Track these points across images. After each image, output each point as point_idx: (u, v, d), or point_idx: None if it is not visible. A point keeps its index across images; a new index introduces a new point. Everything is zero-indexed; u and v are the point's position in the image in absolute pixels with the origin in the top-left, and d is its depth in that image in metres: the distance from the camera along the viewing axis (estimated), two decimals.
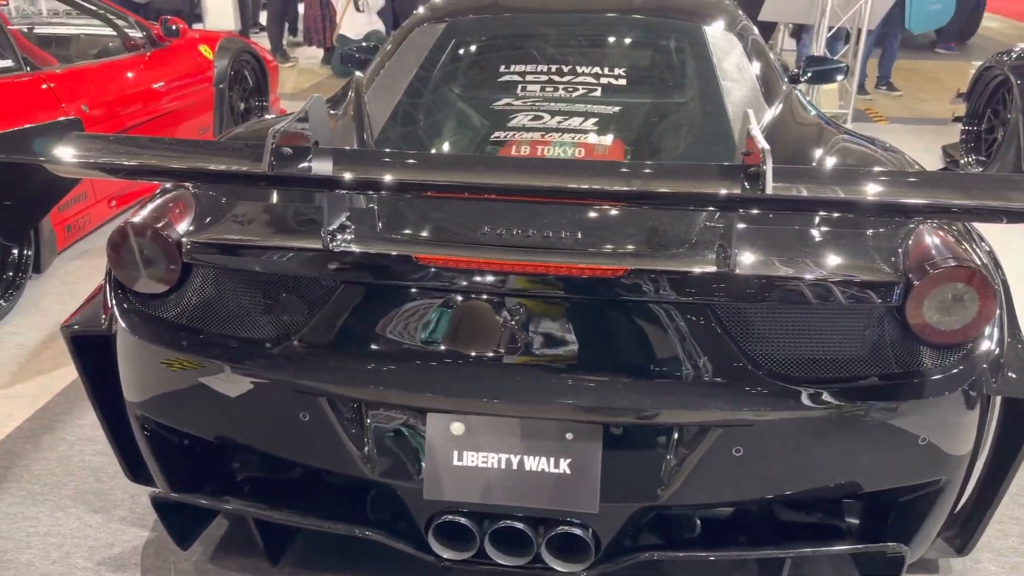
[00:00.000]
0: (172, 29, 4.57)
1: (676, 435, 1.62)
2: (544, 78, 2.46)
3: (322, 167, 1.48)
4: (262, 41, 8.41)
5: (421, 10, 2.97)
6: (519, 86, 2.42)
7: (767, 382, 1.57)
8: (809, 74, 3.42)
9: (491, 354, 1.63)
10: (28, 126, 1.56)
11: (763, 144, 1.39)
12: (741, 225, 1.60)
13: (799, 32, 7.62)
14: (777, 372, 1.59)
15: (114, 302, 1.85)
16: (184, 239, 1.75)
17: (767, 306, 1.57)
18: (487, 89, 2.48)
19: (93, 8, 4.37)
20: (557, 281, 1.59)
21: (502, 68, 2.52)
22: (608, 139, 2.17)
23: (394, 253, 1.64)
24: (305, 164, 1.46)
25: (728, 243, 1.55)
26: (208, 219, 1.80)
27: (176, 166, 1.49)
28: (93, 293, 2.00)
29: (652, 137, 2.27)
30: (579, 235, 1.67)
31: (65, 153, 1.47)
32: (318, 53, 9.05)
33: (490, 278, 1.62)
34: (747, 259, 1.55)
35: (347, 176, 1.44)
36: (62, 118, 1.66)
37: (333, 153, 1.53)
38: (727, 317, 1.59)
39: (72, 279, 3.54)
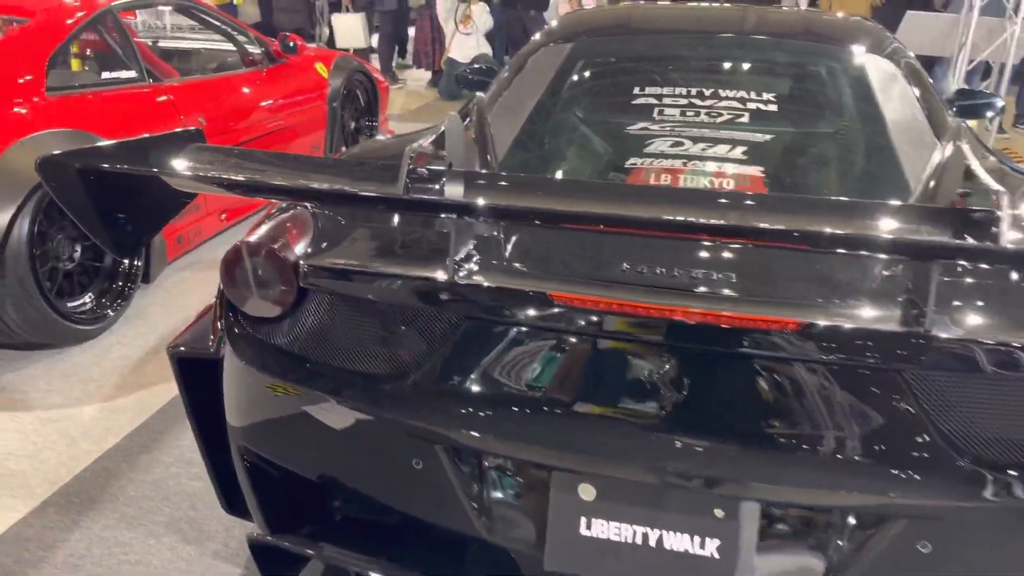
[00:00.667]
0: (290, 46, 4.59)
1: (849, 523, 1.37)
2: (683, 101, 2.25)
3: (458, 191, 1.32)
4: (373, 62, 8.51)
5: (545, 30, 2.83)
6: (656, 109, 2.23)
7: (966, 466, 1.31)
8: (956, 108, 3.11)
9: (631, 410, 1.43)
10: (148, 135, 1.46)
11: (995, 185, 1.15)
12: (944, 277, 1.35)
13: (931, 65, 7.17)
14: (980, 455, 1.33)
15: (224, 324, 1.74)
16: (301, 262, 1.63)
17: (974, 376, 1.31)
18: (621, 112, 2.29)
19: (216, 23, 4.43)
20: (714, 331, 1.38)
21: (636, 90, 2.33)
22: (759, 170, 1.95)
23: (527, 289, 1.46)
24: (441, 188, 1.30)
25: (925, 297, 1.30)
26: (327, 241, 1.67)
27: (305, 185, 1.35)
28: (202, 313, 1.90)
29: (811, 170, 2.03)
30: (741, 278, 1.45)
31: (188, 166, 1.36)
32: (425, 75, 9.10)
33: (635, 323, 1.42)
34: (950, 318, 1.31)
35: (489, 203, 1.27)
36: (184, 128, 1.56)
37: (470, 177, 1.36)
38: (921, 386, 1.34)
39: (179, 291, 3.53)
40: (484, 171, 1.74)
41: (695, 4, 3.12)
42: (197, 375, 1.82)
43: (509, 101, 2.44)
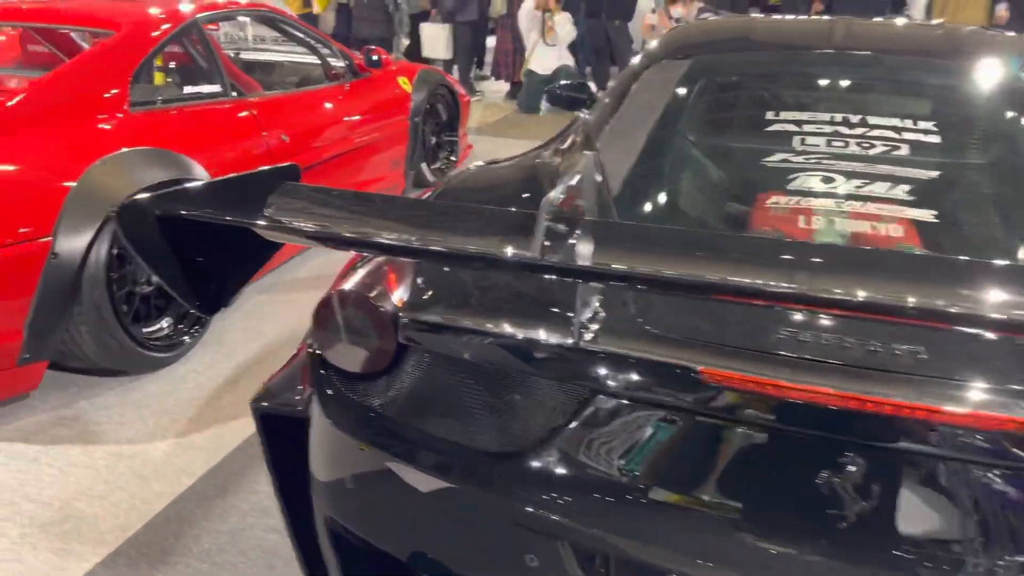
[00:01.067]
0: (375, 60, 4.44)
1: None
2: (827, 129, 1.98)
3: (608, 256, 1.08)
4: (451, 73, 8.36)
5: (654, 45, 2.58)
6: (796, 138, 1.96)
7: None
8: None
9: (796, 521, 1.17)
10: (236, 175, 1.27)
11: None
12: None
13: None
14: None
15: (313, 380, 1.54)
16: (402, 315, 1.42)
17: None
18: (754, 140, 2.03)
19: (300, 36, 4.31)
20: (917, 428, 1.11)
21: (770, 115, 2.07)
22: (932, 213, 1.67)
23: (669, 361, 1.22)
24: (583, 250, 1.07)
25: None
26: (431, 291, 1.46)
27: (423, 242, 1.12)
28: (288, 363, 1.71)
29: (1000, 213, 1.73)
30: (947, 359, 1.18)
31: (284, 214, 1.16)
32: (503, 87, 8.92)
33: (807, 411, 1.17)
34: None
35: (650, 273, 1.03)
36: (277, 165, 1.37)
37: (616, 236, 1.13)
38: None
39: (258, 315, 3.39)
40: (638, 227, 1.46)
41: (818, 18, 2.82)
42: (282, 433, 1.63)
43: (620, 126, 2.19)
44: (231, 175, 1.29)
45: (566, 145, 2.26)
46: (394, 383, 1.48)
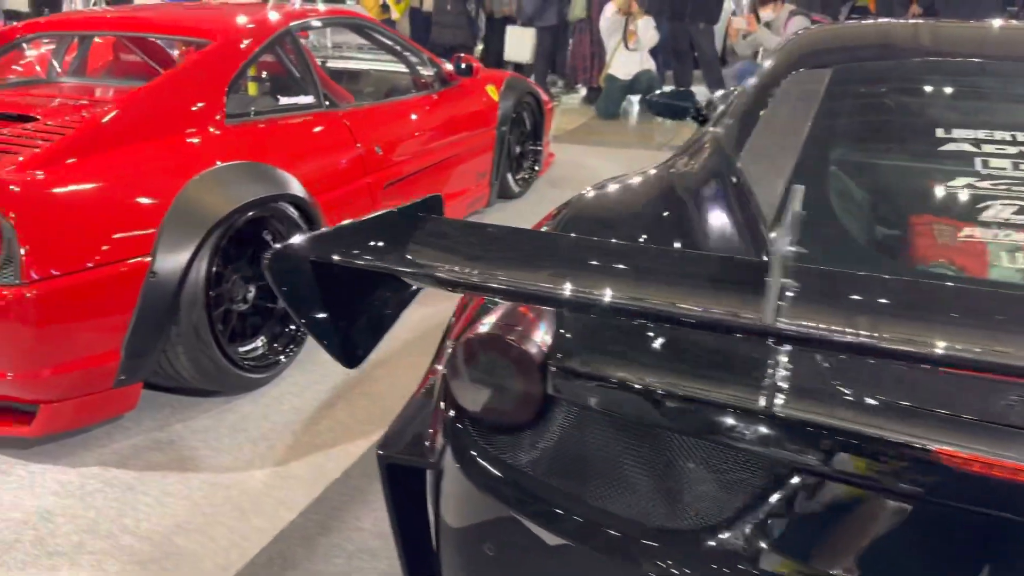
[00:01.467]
0: (465, 68, 4.31)
1: None
2: (1012, 150, 1.75)
3: (846, 316, 0.89)
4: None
5: (783, 52, 2.37)
6: (977, 160, 1.73)
7: None
8: None
9: None
10: (380, 213, 1.13)
11: None
12: None
13: None
14: None
15: (448, 431, 1.39)
16: (550, 363, 1.25)
17: None
18: (925, 162, 1.81)
19: (389, 43, 4.20)
20: None
21: (939, 132, 1.84)
22: None
23: (895, 439, 1.03)
24: (824, 307, 0.88)
25: None
26: (585, 333, 1.29)
27: (615, 297, 0.95)
28: (409, 404, 1.56)
29: None
30: None
31: (439, 259, 1.01)
32: (578, 91, 8.74)
33: None
34: None
35: (905, 340, 0.84)
36: (422, 199, 1.22)
37: (867, 287, 0.93)
38: None
39: None
40: (901, 283, 1.23)
41: (964, 23, 2.56)
42: (409, 484, 1.48)
43: (763, 141, 1.99)
44: (375, 214, 1.15)
45: (700, 161, 2.07)
46: (540, 438, 1.32)
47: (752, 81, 2.28)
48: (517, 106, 4.88)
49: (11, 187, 2.21)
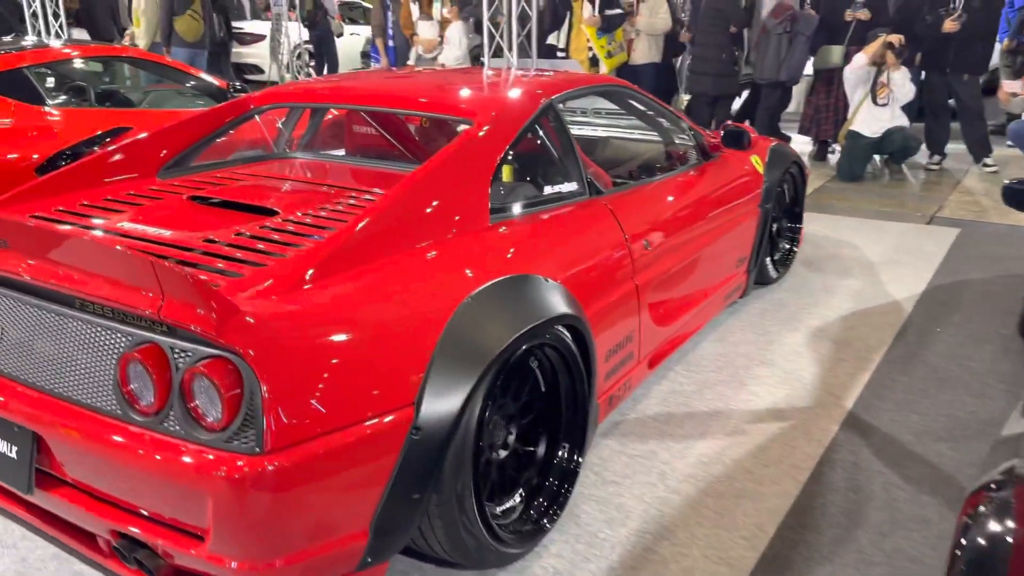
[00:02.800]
0: (737, 138, 3.64)
1: None
2: None
3: None
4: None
5: None
6: None
7: None
8: None
9: None
10: None
11: None
12: None
13: None
14: None
15: None
16: None
17: None
18: None
19: (647, 111, 3.60)
20: None
21: None
22: None
23: None
24: None
25: None
26: None
27: None
28: None
29: None
30: None
31: None
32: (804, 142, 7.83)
33: None
34: None
35: None
36: None
37: None
38: None
39: (610, 472, 2.64)
40: None
41: None
42: None
43: None
44: None
45: None
46: None
47: None
48: (782, 179, 4.14)
49: (247, 318, 1.72)
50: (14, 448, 1.99)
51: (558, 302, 2.27)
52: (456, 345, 1.95)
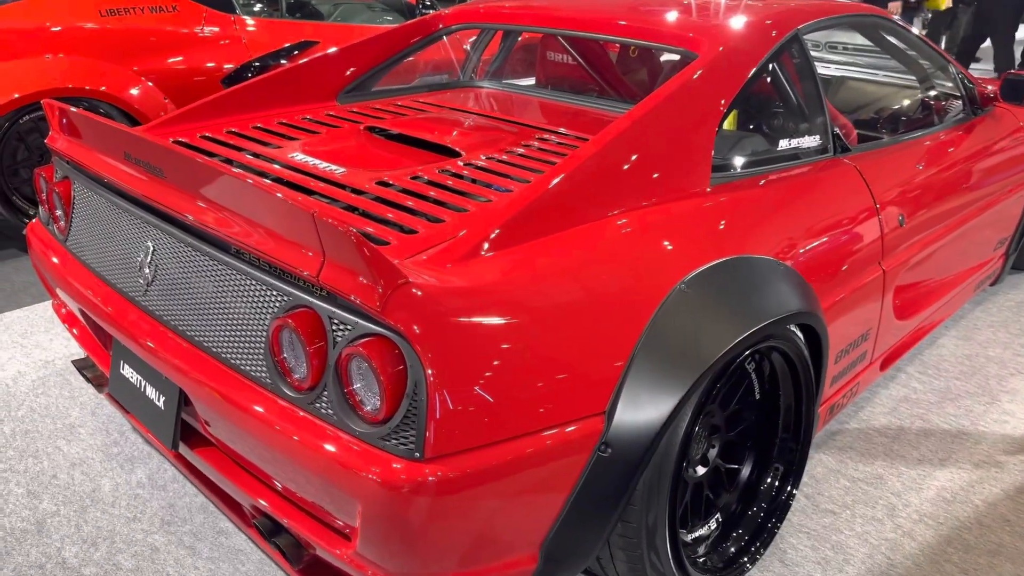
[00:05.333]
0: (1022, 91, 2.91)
1: None
2: None
3: None
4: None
5: None
6: None
7: None
8: None
9: None
10: None
11: None
12: None
13: None
14: None
15: None
16: None
17: None
18: None
19: (910, 51, 2.94)
20: None
21: None
22: None
23: None
24: None
25: None
26: None
27: None
28: None
29: None
30: None
31: None
32: None
33: None
34: None
35: None
36: None
37: None
38: None
39: (825, 494, 2.19)
40: None
41: None
42: None
43: None
44: None
45: None
46: None
47: None
48: None
49: (416, 291, 1.39)
50: (162, 398, 1.82)
51: (793, 294, 1.80)
52: (663, 344, 1.55)
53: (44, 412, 2.53)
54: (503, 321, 1.44)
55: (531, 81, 3.17)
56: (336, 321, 1.43)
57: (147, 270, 1.80)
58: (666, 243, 1.71)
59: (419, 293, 1.37)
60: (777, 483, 1.95)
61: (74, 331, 2.28)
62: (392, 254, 1.48)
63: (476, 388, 1.38)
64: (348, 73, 2.69)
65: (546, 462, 1.45)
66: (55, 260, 2.13)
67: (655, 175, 1.82)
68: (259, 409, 1.53)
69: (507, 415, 1.41)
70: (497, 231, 1.56)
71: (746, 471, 1.95)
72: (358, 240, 1.32)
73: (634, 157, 1.79)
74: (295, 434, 1.47)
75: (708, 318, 1.62)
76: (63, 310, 2.36)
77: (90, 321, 2.14)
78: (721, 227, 1.82)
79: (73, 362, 2.30)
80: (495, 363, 1.40)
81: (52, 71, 3.70)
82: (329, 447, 1.43)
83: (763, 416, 1.94)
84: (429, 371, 1.34)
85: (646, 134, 1.84)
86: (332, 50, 2.68)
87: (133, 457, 2.32)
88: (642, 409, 1.51)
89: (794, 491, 1.97)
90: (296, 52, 4.34)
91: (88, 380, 2.22)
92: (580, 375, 1.48)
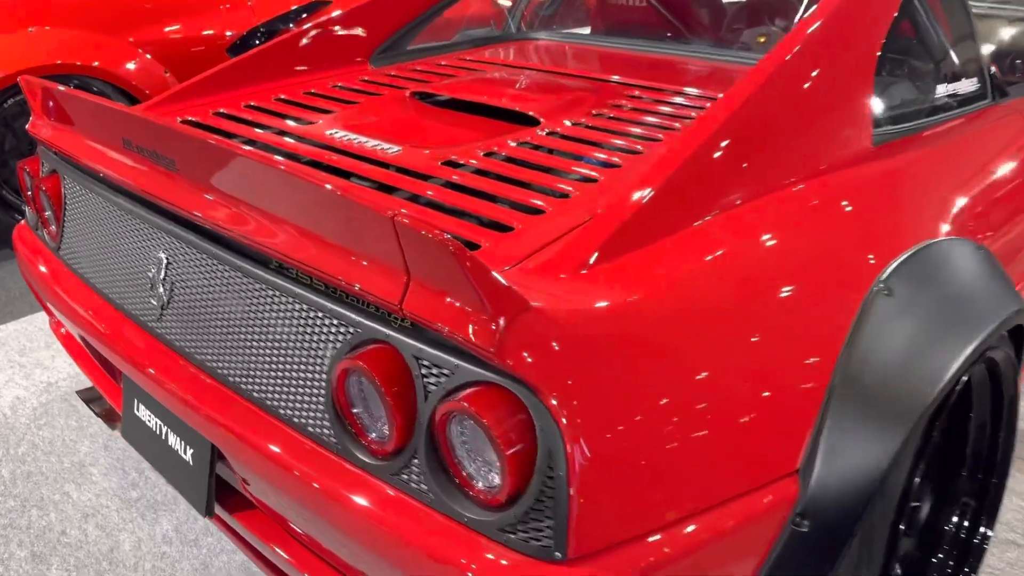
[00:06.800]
0: None
1: None
2: None
3: None
4: None
5: None
6: None
7: None
8: None
9: None
10: None
11: None
12: None
13: None
14: None
15: None
16: None
17: None
18: None
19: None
20: None
21: None
22: None
23: None
24: None
25: None
26: None
27: None
28: None
29: None
30: None
31: None
32: None
33: None
34: None
35: None
36: None
37: None
38: None
39: (1018, 530, 1.79)
40: None
41: None
42: None
43: None
44: None
45: None
46: None
47: None
48: None
49: (543, 321, 0.96)
50: (190, 451, 1.42)
51: (1005, 288, 1.38)
52: (869, 370, 1.14)
53: (48, 448, 2.15)
54: (664, 357, 1.03)
55: (587, 30, 2.73)
56: (426, 363, 1.03)
57: (161, 288, 1.40)
58: (848, 228, 1.29)
59: (549, 324, 0.96)
60: (969, 521, 1.55)
61: (76, 359, 1.88)
62: (488, 263, 1.06)
63: (636, 455, 0.97)
64: (379, 31, 2.26)
65: (725, 546, 1.05)
66: (45, 272, 1.73)
67: (813, 135, 1.39)
68: (321, 480, 1.13)
69: (674, 489, 1.01)
70: (632, 221, 1.14)
71: (926, 508, 1.54)
72: (458, 251, 0.91)
73: (789, 115, 1.36)
74: (373, 516, 1.07)
75: (922, 329, 1.20)
76: (62, 330, 1.97)
77: (92, 348, 1.75)
78: (906, 201, 1.39)
79: (78, 393, 1.92)
80: (659, 418, 0.99)
81: (37, 46, 3.27)
82: (423, 536, 1.03)
83: (945, 439, 1.53)
84: (570, 435, 0.93)
85: (798, 83, 1.40)
86: (357, 4, 2.25)
87: (156, 503, 1.94)
88: (850, 461, 1.10)
89: (989, 532, 1.57)
90: (304, 15, 3.89)
91: (97, 415, 1.84)
92: (766, 423, 1.07)
